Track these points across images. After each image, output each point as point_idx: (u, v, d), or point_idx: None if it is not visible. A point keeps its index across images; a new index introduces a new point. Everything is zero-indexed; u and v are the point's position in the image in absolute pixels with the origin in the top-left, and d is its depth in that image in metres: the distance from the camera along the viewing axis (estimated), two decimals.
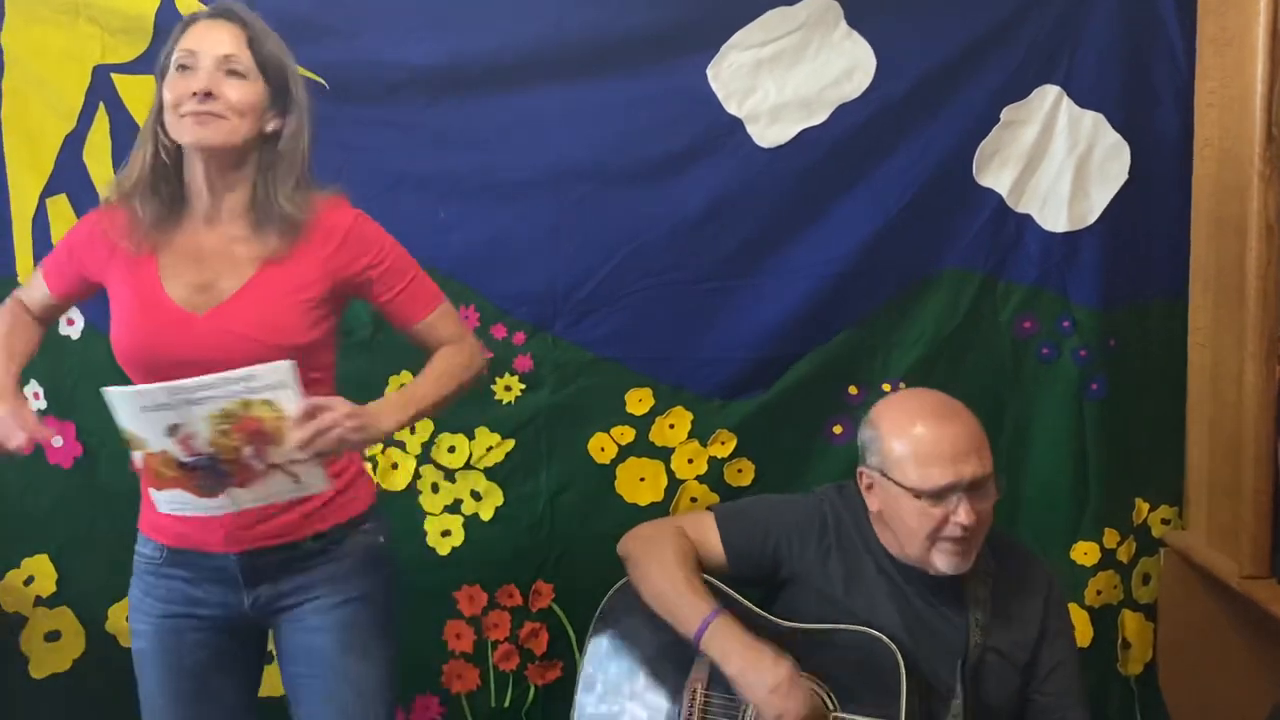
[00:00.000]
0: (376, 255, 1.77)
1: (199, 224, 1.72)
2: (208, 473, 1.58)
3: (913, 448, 1.82)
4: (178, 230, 1.72)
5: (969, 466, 1.79)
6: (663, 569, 1.90)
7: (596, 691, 1.96)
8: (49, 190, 2.33)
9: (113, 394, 1.54)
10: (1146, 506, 2.53)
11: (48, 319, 1.91)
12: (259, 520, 1.71)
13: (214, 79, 1.64)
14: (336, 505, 1.78)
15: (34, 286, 1.87)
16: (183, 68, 1.65)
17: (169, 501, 1.63)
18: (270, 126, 1.70)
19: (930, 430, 1.82)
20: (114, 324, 1.75)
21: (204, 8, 1.73)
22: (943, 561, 1.83)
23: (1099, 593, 2.50)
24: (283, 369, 1.53)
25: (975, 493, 1.80)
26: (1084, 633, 2.47)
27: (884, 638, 1.82)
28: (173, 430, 1.55)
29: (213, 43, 1.66)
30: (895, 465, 1.83)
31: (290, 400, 1.54)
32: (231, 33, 1.68)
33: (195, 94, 1.63)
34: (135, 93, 2.31)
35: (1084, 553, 2.48)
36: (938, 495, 1.79)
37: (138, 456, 1.60)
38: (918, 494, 1.80)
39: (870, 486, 1.90)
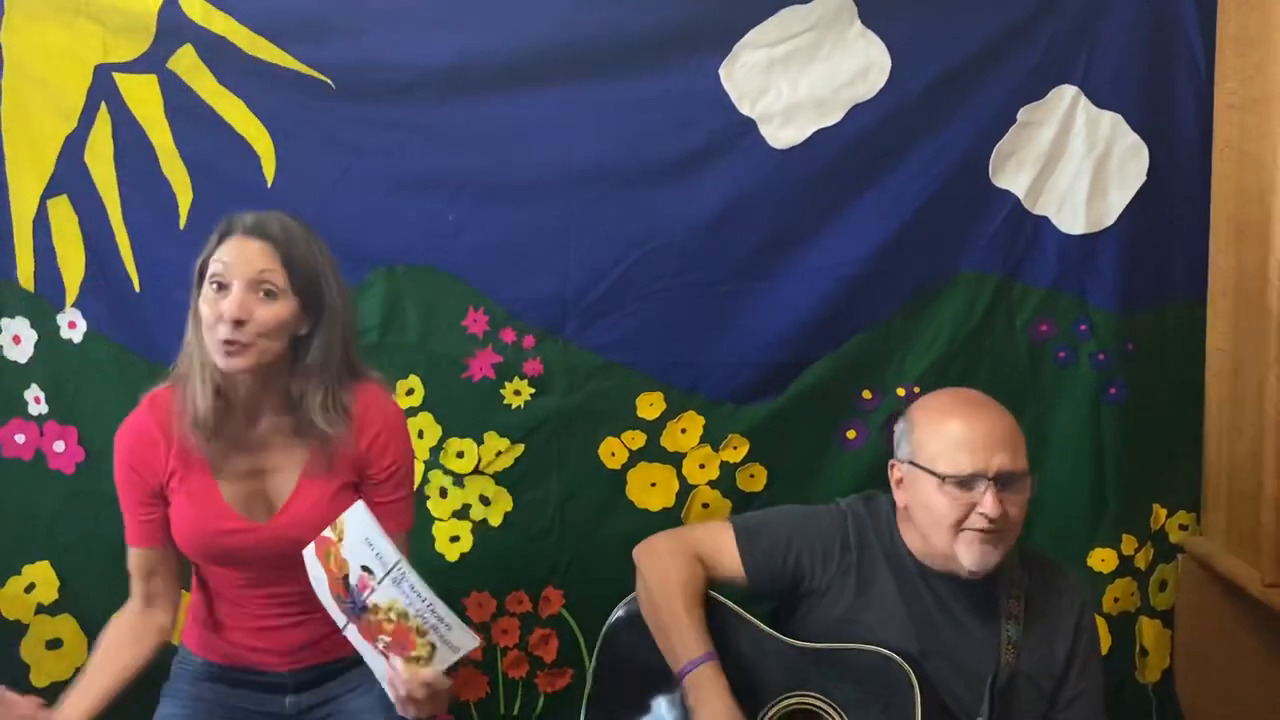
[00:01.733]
0: (398, 458, 1.84)
1: (240, 420, 1.77)
2: (352, 601, 1.64)
3: (944, 435, 1.81)
4: (226, 437, 1.76)
5: (998, 458, 1.78)
6: (665, 596, 1.87)
7: (605, 708, 1.94)
8: (50, 191, 2.30)
9: (357, 513, 1.61)
10: (1164, 512, 2.50)
11: (168, 576, 1.87)
12: (320, 640, 1.84)
13: (245, 303, 1.67)
14: None
15: (141, 560, 1.86)
16: (218, 286, 1.68)
17: (313, 569, 1.68)
18: (302, 331, 1.74)
19: (963, 420, 1.82)
20: (175, 525, 1.80)
21: (238, 218, 1.72)
22: (967, 554, 1.79)
23: (1116, 600, 2.47)
24: (471, 643, 1.61)
25: (1005, 488, 1.78)
26: (1101, 640, 2.42)
27: (897, 658, 1.78)
28: (363, 570, 1.61)
29: (246, 262, 1.68)
30: (925, 453, 1.82)
31: (443, 662, 1.61)
32: (265, 252, 1.69)
33: (226, 320, 1.66)
34: (137, 92, 2.28)
35: (1101, 559, 2.46)
36: (964, 482, 1.78)
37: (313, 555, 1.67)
38: (944, 479, 1.78)
39: (900, 480, 1.89)
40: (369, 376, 1.84)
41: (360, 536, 1.61)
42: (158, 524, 1.81)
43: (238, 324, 1.66)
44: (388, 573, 1.59)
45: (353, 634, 1.67)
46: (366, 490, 1.81)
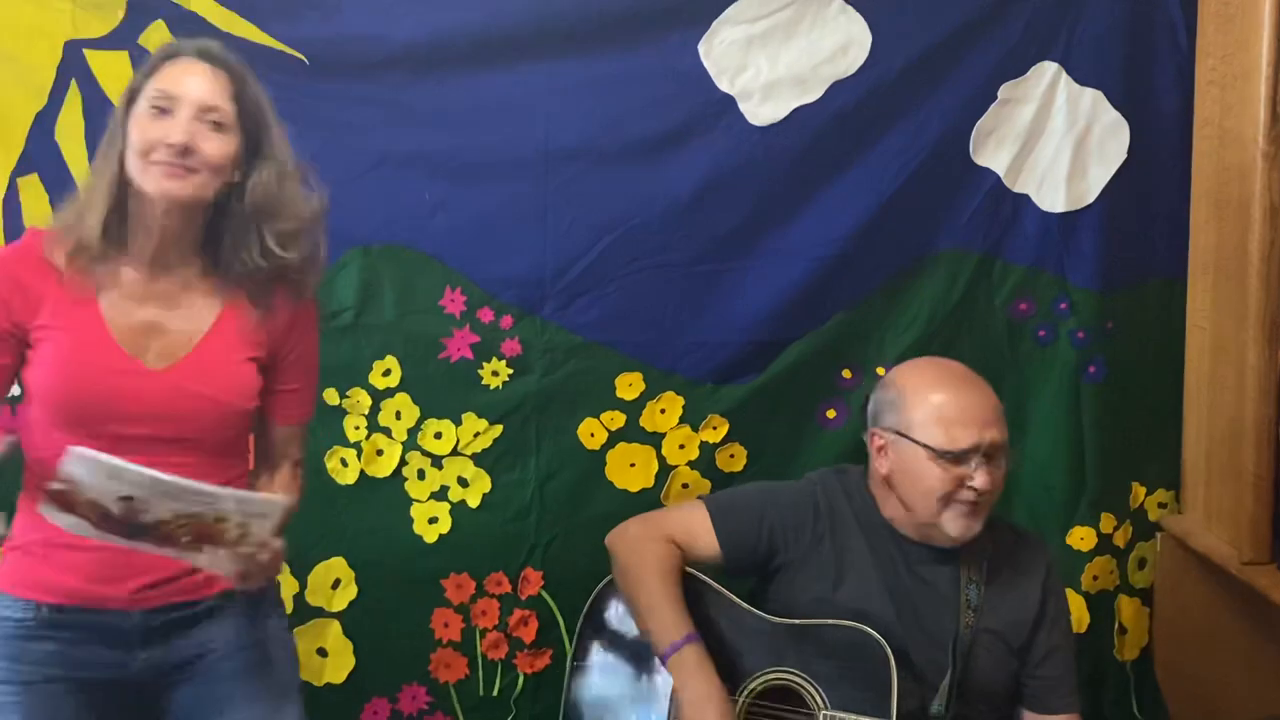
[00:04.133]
0: (306, 342, 1.70)
1: (143, 265, 1.60)
2: (130, 530, 1.45)
3: (939, 409, 1.83)
4: (119, 269, 1.59)
5: (990, 431, 1.82)
6: (642, 580, 1.88)
7: (587, 687, 1.94)
8: (20, 170, 2.27)
9: (82, 455, 1.38)
10: (1143, 490, 2.51)
11: None
12: (174, 578, 1.60)
13: (192, 130, 1.54)
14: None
15: None
16: (159, 110, 1.54)
17: (68, 525, 1.44)
18: (235, 177, 1.59)
19: (956, 394, 1.85)
20: (43, 369, 1.58)
21: (186, 43, 1.60)
22: (953, 524, 1.82)
23: (1095, 578, 2.48)
24: (279, 506, 1.47)
25: (992, 460, 1.81)
26: (1080, 618, 2.45)
27: (874, 634, 1.79)
28: (123, 500, 1.42)
29: (195, 89, 1.55)
30: (919, 426, 1.84)
31: (263, 530, 1.46)
32: (217, 80, 1.57)
33: (171, 146, 1.52)
34: (109, 69, 2.24)
35: (1080, 538, 2.46)
36: (960, 457, 1.80)
37: (51, 485, 1.42)
38: (941, 454, 1.80)
39: (882, 448, 1.89)
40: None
41: (101, 475, 1.39)
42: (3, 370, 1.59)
43: (185, 151, 1.52)
44: (151, 489, 1.41)
45: (145, 548, 1.47)
46: (274, 373, 1.66)
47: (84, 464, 1.39)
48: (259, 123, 1.61)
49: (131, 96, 1.57)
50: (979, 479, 1.79)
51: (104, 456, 1.38)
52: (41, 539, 1.59)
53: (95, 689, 1.61)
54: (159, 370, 1.58)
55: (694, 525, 1.93)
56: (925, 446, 1.82)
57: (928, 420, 1.83)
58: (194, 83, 1.56)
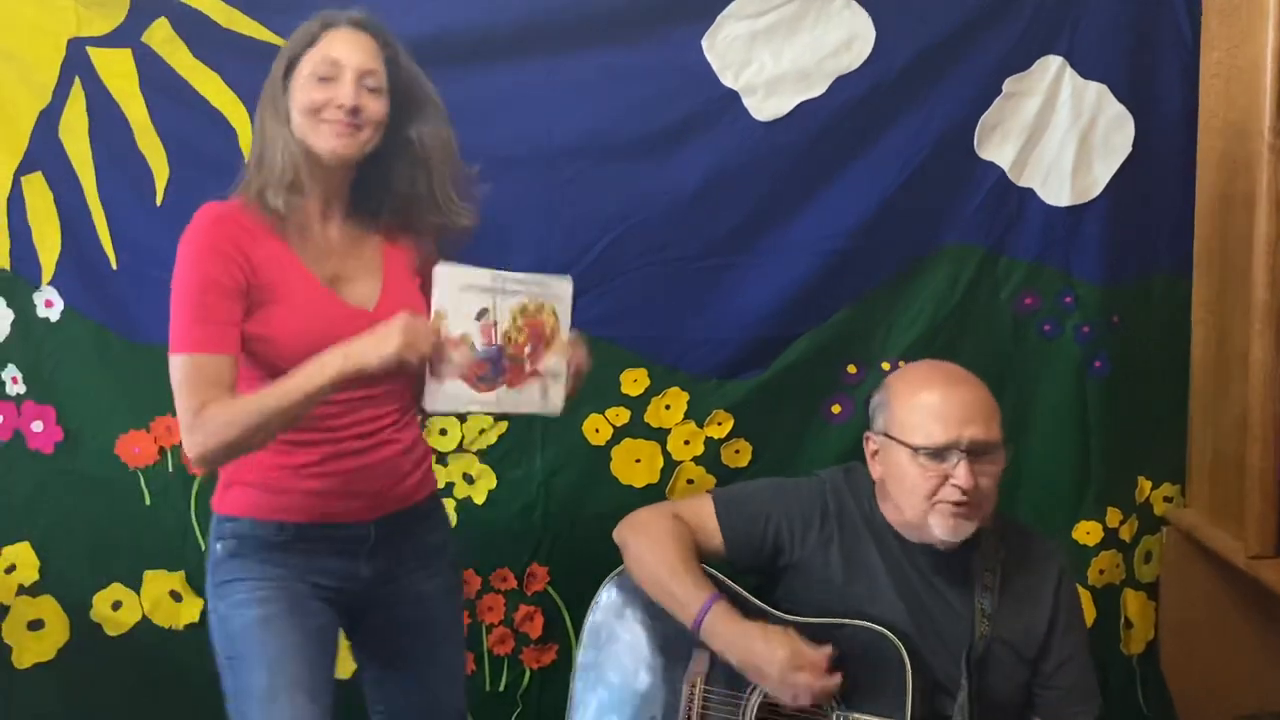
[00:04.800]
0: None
1: (316, 219, 1.77)
2: (491, 365, 1.69)
3: (918, 407, 1.82)
4: (302, 225, 1.75)
5: (971, 429, 1.78)
6: (659, 555, 1.87)
7: (593, 684, 1.93)
8: (24, 168, 2.27)
9: (443, 269, 1.66)
10: (1149, 484, 2.51)
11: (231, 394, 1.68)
12: (399, 481, 1.81)
13: (358, 94, 1.70)
14: (430, 472, 1.92)
15: (213, 370, 1.64)
16: (323, 78, 1.70)
17: (444, 395, 1.68)
18: (383, 133, 1.76)
19: (937, 392, 1.83)
20: (279, 321, 1.69)
21: (339, 13, 1.76)
22: (940, 525, 1.80)
23: (1101, 572, 2.48)
24: (568, 284, 1.74)
25: (979, 459, 1.79)
26: (1086, 612, 2.41)
27: (889, 634, 1.79)
28: (481, 315, 1.67)
29: (355, 55, 1.72)
30: (899, 424, 1.83)
31: (566, 315, 1.74)
32: (372, 48, 1.74)
33: (342, 106, 1.69)
34: (112, 67, 2.25)
35: (1086, 532, 2.46)
36: (936, 454, 1.78)
37: (434, 335, 1.64)
38: (917, 450, 1.79)
39: (876, 452, 1.89)
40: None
41: (456, 288, 1.66)
42: (239, 329, 1.67)
43: (355, 110, 1.69)
44: (494, 291, 1.68)
45: (507, 399, 1.71)
46: None
47: (446, 275, 1.65)
48: (409, 82, 1.79)
49: (290, 65, 1.73)
50: (961, 476, 1.76)
51: (456, 265, 1.67)
52: (271, 471, 1.75)
53: (329, 597, 1.81)
54: (373, 310, 1.75)
55: (700, 517, 1.93)
56: (906, 445, 1.81)
57: (909, 419, 1.82)
58: (353, 49, 1.73)
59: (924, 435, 1.79)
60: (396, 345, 1.59)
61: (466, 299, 1.67)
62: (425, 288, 1.73)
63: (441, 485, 2.36)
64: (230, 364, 1.65)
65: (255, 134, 1.76)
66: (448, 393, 1.68)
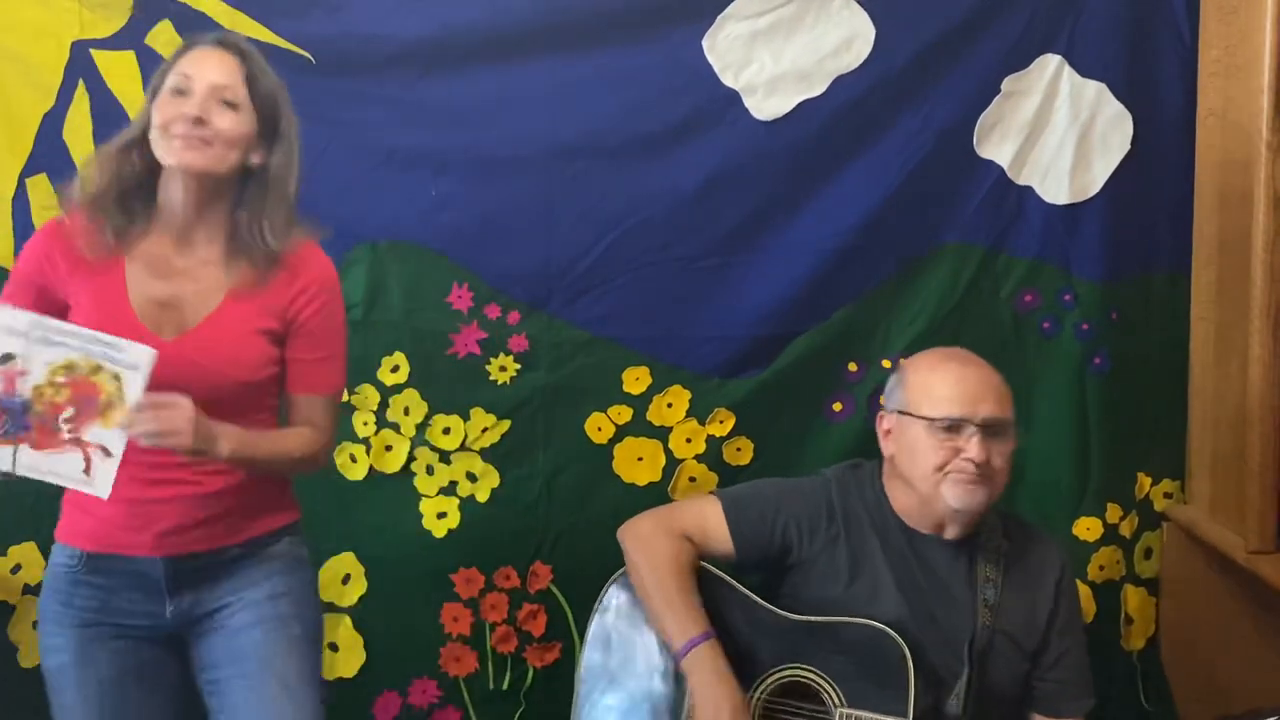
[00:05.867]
0: (320, 312, 1.76)
1: (168, 241, 1.71)
2: (9, 417, 1.52)
3: (935, 384, 1.87)
4: (145, 241, 1.70)
5: (984, 405, 1.84)
6: (655, 578, 1.88)
7: (600, 684, 1.94)
8: (28, 170, 2.28)
9: None
10: (1149, 481, 2.52)
11: None
12: (193, 526, 1.70)
13: (206, 106, 1.65)
14: (268, 516, 1.79)
15: None
16: (177, 91, 1.66)
17: None
18: (254, 160, 1.70)
19: (954, 371, 1.89)
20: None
21: (206, 35, 1.73)
22: (952, 493, 1.83)
23: (1101, 568, 2.49)
24: (147, 355, 1.53)
25: (991, 436, 1.83)
26: (1086, 608, 2.44)
27: (891, 632, 1.80)
28: (4, 360, 1.50)
29: (210, 70, 1.67)
30: (915, 400, 1.87)
31: (136, 386, 1.53)
32: (229, 64, 1.69)
33: (187, 118, 1.64)
34: (115, 69, 2.26)
35: (1086, 528, 2.47)
36: (951, 426, 1.82)
37: None
38: (932, 422, 1.83)
39: (889, 431, 1.92)
40: (306, 234, 1.77)
41: None
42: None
43: (198, 122, 1.64)
44: (29, 337, 1.49)
45: (28, 461, 1.52)
46: (292, 343, 1.74)
47: None
48: (273, 107, 1.72)
49: (156, 87, 1.69)
50: (973, 449, 1.81)
51: None
52: (72, 494, 1.72)
53: (134, 636, 1.74)
54: (169, 341, 1.66)
55: (707, 521, 1.93)
56: (921, 418, 1.85)
57: (924, 395, 1.87)
58: (208, 65, 1.68)
59: (939, 408, 1.84)
60: None
61: None
62: (284, 331, 1.72)
63: (445, 483, 2.39)
64: None
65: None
66: None
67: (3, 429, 1.52)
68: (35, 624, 1.78)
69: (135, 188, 1.70)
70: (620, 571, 1.97)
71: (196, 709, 1.82)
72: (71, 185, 1.73)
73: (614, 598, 1.97)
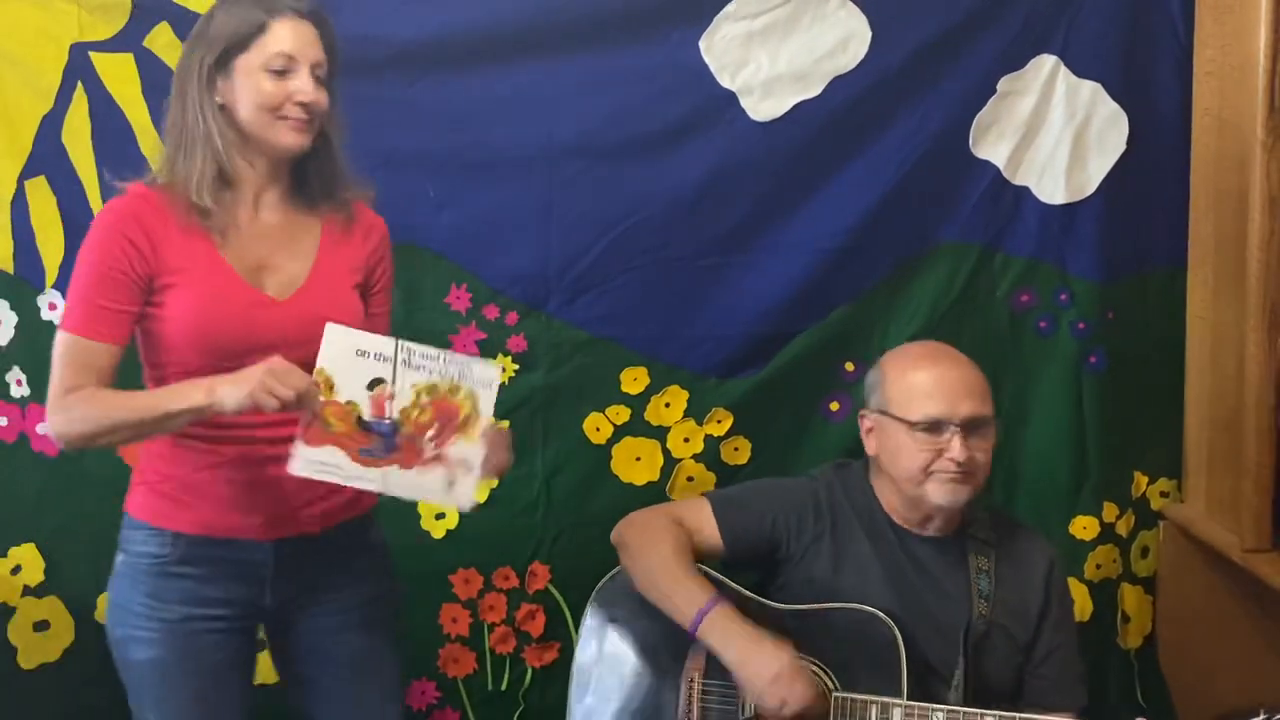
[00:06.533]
0: (387, 268, 1.84)
1: (248, 207, 1.70)
2: (381, 440, 1.57)
3: (913, 384, 1.88)
4: (230, 213, 1.68)
5: (965, 404, 1.84)
6: (658, 557, 1.88)
7: (591, 681, 1.95)
8: (27, 172, 2.28)
9: (335, 330, 1.56)
10: (1145, 479, 2.52)
11: (107, 384, 1.64)
12: (304, 505, 1.69)
13: (314, 86, 1.65)
14: (359, 496, 1.76)
15: (92, 357, 1.61)
16: (279, 72, 1.63)
17: (313, 461, 1.55)
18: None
19: (931, 369, 1.89)
20: (181, 312, 1.63)
21: (285, 2, 1.67)
22: (937, 492, 1.84)
23: (1098, 566, 2.49)
24: (495, 371, 1.62)
25: (972, 433, 1.84)
26: (1083, 606, 2.46)
27: (880, 614, 1.82)
28: (373, 384, 1.57)
29: (307, 49, 1.65)
30: (894, 401, 1.88)
31: (488, 404, 1.61)
32: (318, 40, 1.68)
33: (302, 103, 1.64)
34: (114, 71, 2.26)
35: (1083, 527, 2.48)
36: (932, 428, 1.83)
37: (310, 404, 1.53)
38: (914, 425, 1.83)
39: (870, 430, 1.93)
40: (361, 189, 1.80)
41: (349, 352, 1.55)
42: (130, 319, 1.63)
43: (312, 107, 1.64)
44: (396, 361, 1.56)
45: (398, 481, 1.58)
46: (368, 298, 1.79)
47: (337, 337, 1.55)
48: (336, 69, 1.72)
49: (226, 53, 1.63)
50: (956, 450, 1.82)
51: (349, 329, 1.57)
52: (169, 475, 1.69)
53: (230, 624, 1.72)
54: (285, 301, 1.68)
55: (698, 519, 1.94)
56: (901, 420, 1.85)
57: (903, 395, 1.87)
58: (303, 41, 1.65)
59: (920, 410, 1.84)
60: (249, 390, 1.50)
61: (360, 365, 1.56)
62: (365, 286, 1.76)
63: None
64: (109, 352, 1.62)
65: (173, 121, 1.66)
66: (316, 458, 1.55)
67: (375, 451, 1.57)
68: (109, 615, 1.75)
69: (223, 163, 1.66)
70: (612, 571, 1.98)
71: None
72: (146, 169, 1.70)
73: (603, 599, 1.98)
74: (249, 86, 1.63)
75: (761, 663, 1.75)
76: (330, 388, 1.55)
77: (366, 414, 1.56)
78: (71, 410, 1.60)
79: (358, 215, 1.77)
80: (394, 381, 1.56)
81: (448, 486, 1.61)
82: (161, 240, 1.63)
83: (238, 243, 1.67)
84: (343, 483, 1.58)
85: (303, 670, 1.80)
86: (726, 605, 1.82)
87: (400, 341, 1.57)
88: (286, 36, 1.64)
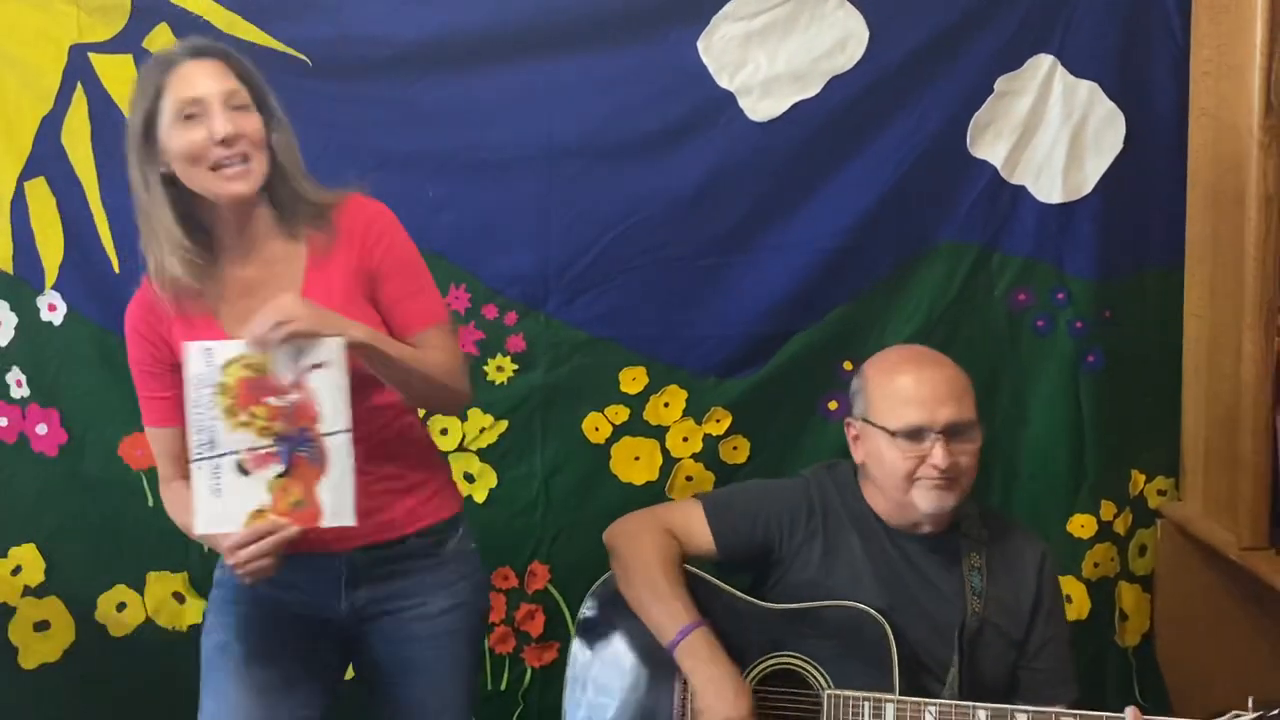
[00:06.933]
0: (392, 247, 1.75)
1: (235, 264, 1.69)
2: (300, 449, 1.58)
3: (892, 391, 1.87)
4: (220, 277, 1.69)
5: (945, 410, 1.83)
6: (644, 570, 1.89)
7: (586, 682, 1.96)
8: (27, 173, 2.29)
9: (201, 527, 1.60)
10: (1143, 478, 2.53)
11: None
12: (369, 514, 1.67)
13: (230, 119, 1.60)
14: (435, 503, 1.80)
15: (163, 443, 1.73)
16: (190, 117, 1.60)
17: (338, 500, 1.59)
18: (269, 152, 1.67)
19: (910, 375, 1.88)
20: None
21: (171, 52, 1.66)
22: (923, 499, 1.84)
23: (1096, 565, 2.50)
24: (193, 350, 1.57)
25: (954, 438, 1.83)
26: (1081, 605, 2.47)
27: (870, 610, 1.82)
28: (243, 468, 1.58)
29: (211, 83, 1.61)
30: (876, 409, 1.88)
31: (229, 345, 1.59)
32: (221, 69, 1.63)
33: (222, 140, 1.59)
34: (113, 72, 2.27)
35: (1081, 525, 2.48)
36: (912, 435, 1.83)
37: (277, 521, 1.58)
38: (893, 434, 1.83)
39: (856, 437, 1.93)
40: (343, 191, 1.76)
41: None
42: (174, 401, 1.66)
43: (231, 141, 1.59)
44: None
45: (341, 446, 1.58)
46: (383, 289, 1.73)
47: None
48: (263, 90, 1.68)
49: (147, 121, 1.62)
50: (938, 456, 1.81)
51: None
52: None
53: (306, 622, 1.77)
54: None
55: (689, 522, 1.95)
56: (882, 429, 1.85)
57: (883, 403, 1.87)
58: (203, 78, 1.61)
59: (899, 419, 1.84)
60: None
61: (228, 484, 1.59)
62: (373, 281, 1.71)
63: None
64: (175, 434, 1.68)
65: (136, 207, 1.67)
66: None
67: (310, 456, 1.59)
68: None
69: (190, 231, 1.64)
70: (607, 574, 1.98)
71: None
72: (148, 271, 1.69)
73: (599, 599, 1.99)
74: (173, 145, 1.61)
75: (722, 703, 1.76)
76: (234, 523, 1.58)
77: (276, 471, 1.59)
78: (167, 503, 1.77)
79: (339, 221, 1.72)
80: (231, 451, 1.58)
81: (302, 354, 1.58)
82: (169, 328, 1.68)
83: (235, 299, 1.69)
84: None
85: (382, 679, 1.82)
86: (705, 632, 1.82)
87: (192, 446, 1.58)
88: (185, 81, 1.61)
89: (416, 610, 1.78)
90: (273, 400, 1.58)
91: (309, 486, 1.59)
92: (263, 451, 1.58)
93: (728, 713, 1.75)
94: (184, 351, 1.58)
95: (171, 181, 1.62)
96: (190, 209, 1.65)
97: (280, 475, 1.59)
